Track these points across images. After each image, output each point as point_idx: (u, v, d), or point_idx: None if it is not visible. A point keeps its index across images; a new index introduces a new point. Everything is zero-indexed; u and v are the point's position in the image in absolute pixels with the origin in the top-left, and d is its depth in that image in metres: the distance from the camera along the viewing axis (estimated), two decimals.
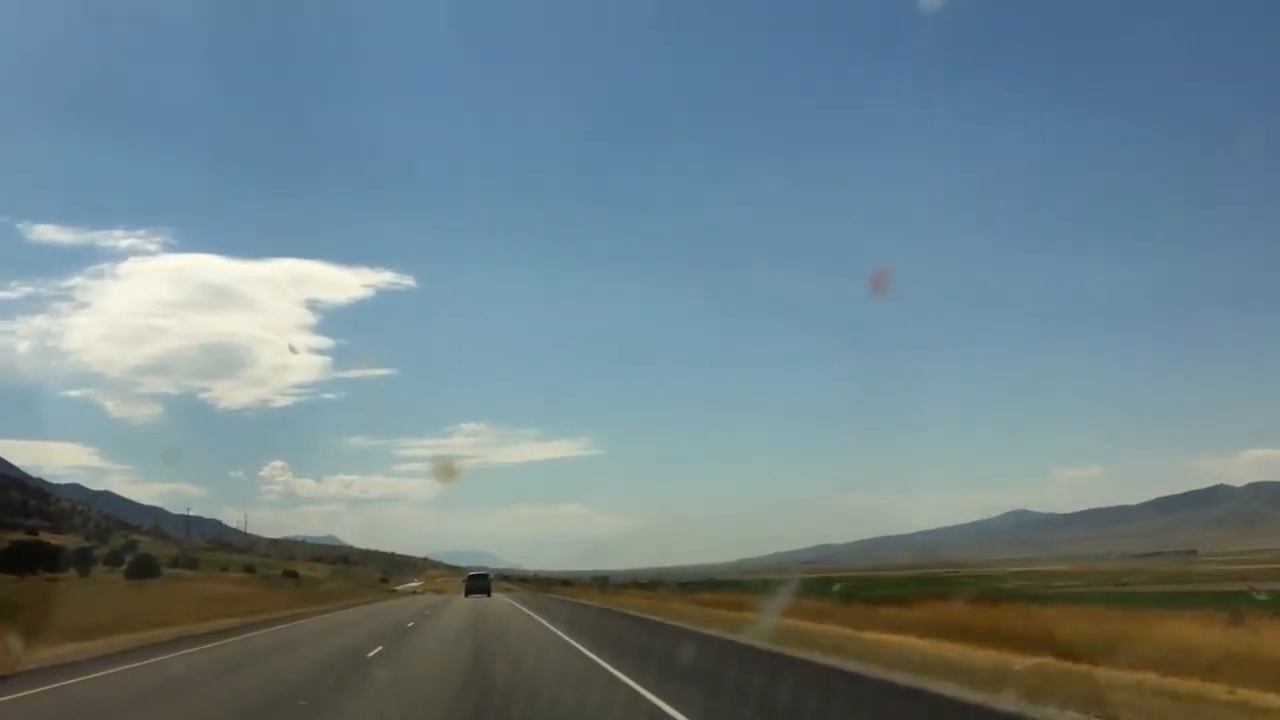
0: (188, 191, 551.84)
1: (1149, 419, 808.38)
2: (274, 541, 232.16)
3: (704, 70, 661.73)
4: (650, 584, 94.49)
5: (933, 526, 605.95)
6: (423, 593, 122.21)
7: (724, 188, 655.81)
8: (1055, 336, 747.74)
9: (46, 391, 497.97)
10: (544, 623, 33.62)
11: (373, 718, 12.79)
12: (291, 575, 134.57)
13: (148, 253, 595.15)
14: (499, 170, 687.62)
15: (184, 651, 23.84)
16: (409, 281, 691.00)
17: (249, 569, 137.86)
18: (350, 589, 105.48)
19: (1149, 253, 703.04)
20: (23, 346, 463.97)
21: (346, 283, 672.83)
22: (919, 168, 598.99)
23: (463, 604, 56.49)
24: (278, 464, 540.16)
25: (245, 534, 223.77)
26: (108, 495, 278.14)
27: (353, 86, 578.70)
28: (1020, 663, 15.02)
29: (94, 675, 18.71)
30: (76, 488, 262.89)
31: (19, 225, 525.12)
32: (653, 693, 13.90)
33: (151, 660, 21.95)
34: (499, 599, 67.27)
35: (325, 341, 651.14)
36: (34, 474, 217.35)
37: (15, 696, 15.63)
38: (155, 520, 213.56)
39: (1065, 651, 15.79)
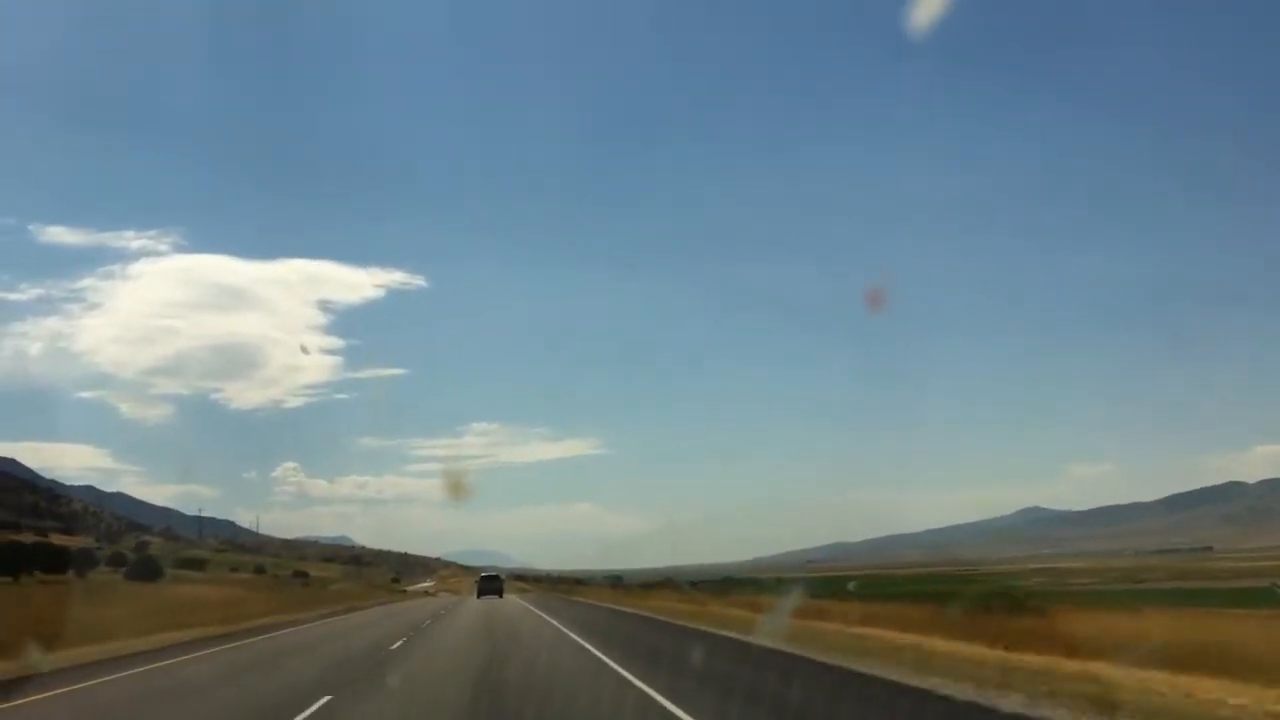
0: (198, 192, 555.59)
1: (1162, 416, 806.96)
2: (286, 542, 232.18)
3: (704, 70, 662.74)
4: (687, 584, 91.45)
5: (946, 524, 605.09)
6: (435, 593, 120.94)
7: (727, 186, 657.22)
8: (1067, 334, 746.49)
9: (59, 393, 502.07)
10: (601, 656, 20.13)
11: None
12: (302, 576, 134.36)
13: (159, 253, 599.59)
14: (503, 170, 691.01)
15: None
16: (420, 281, 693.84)
17: (259, 570, 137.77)
18: (358, 590, 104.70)
19: (1160, 250, 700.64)
20: (35, 348, 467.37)
21: (358, 282, 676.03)
22: (922, 166, 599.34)
23: (473, 609, 50.53)
24: (290, 465, 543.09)
25: (258, 535, 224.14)
26: (120, 497, 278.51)
27: (358, 88, 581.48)
28: (1167, 683, 12.52)
29: None
30: (90, 489, 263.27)
31: (30, 227, 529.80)
32: None
33: None
34: (513, 602, 63.27)
35: (337, 342, 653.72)
36: (48, 476, 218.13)
37: None
38: (168, 522, 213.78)
39: (1172, 662, 13.75)
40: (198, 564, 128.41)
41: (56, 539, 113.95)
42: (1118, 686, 12.23)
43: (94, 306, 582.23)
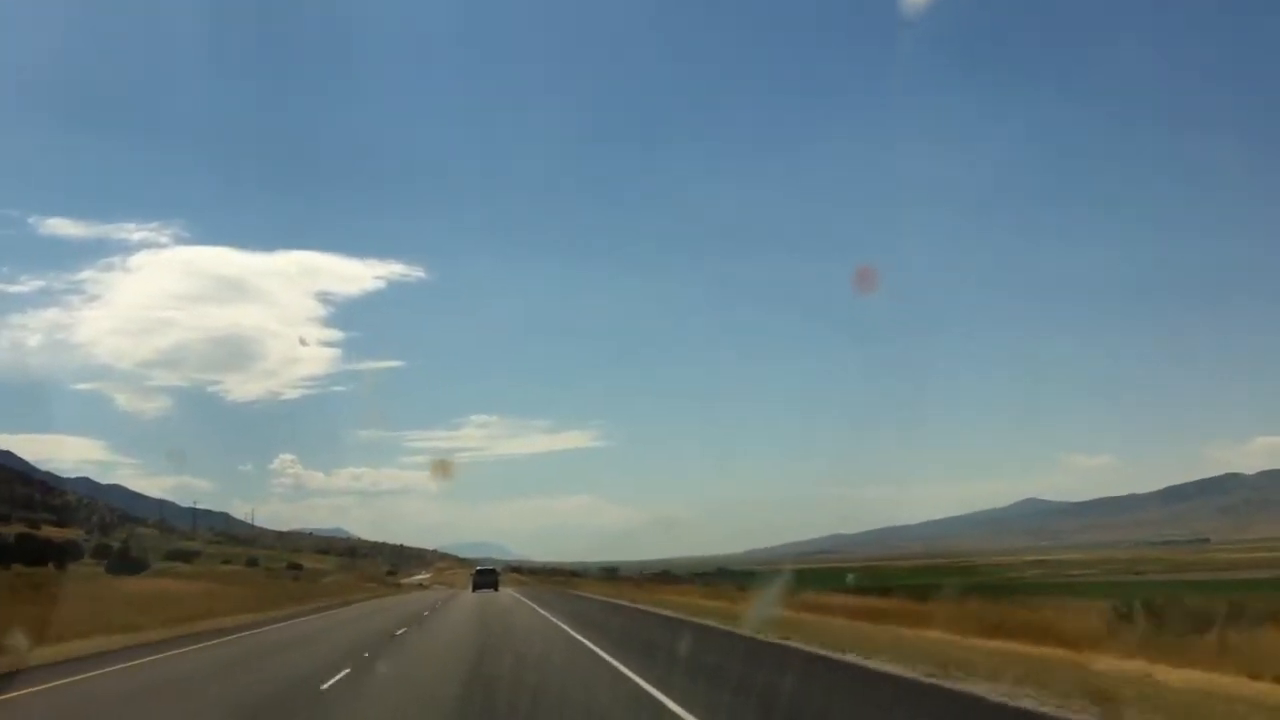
0: (200, 185, 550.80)
1: (1160, 406, 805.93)
2: (281, 534, 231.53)
3: (704, 70, 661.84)
4: (705, 575, 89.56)
5: (943, 515, 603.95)
6: (429, 586, 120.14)
7: (726, 182, 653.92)
8: (1064, 324, 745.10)
9: (57, 385, 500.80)
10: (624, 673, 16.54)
11: None
12: (296, 568, 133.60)
13: (159, 245, 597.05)
14: (503, 164, 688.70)
15: None
16: (419, 273, 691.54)
17: (251, 562, 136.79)
18: (349, 583, 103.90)
19: (1159, 240, 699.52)
20: (33, 340, 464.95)
21: (357, 274, 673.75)
22: (919, 160, 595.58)
23: (467, 605, 47.67)
24: (287, 457, 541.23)
25: (252, 527, 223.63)
26: (117, 489, 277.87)
27: (358, 81, 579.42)
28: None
29: None
30: (86, 481, 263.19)
31: (30, 219, 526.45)
32: None
33: None
34: (508, 595, 62.33)
35: (336, 334, 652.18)
36: (44, 468, 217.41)
37: None
38: (162, 514, 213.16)
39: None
40: (187, 556, 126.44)
41: (47, 531, 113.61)
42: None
43: (93, 298, 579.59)
